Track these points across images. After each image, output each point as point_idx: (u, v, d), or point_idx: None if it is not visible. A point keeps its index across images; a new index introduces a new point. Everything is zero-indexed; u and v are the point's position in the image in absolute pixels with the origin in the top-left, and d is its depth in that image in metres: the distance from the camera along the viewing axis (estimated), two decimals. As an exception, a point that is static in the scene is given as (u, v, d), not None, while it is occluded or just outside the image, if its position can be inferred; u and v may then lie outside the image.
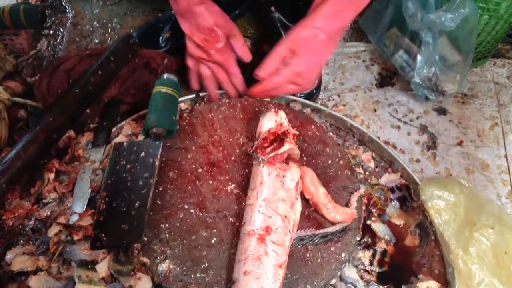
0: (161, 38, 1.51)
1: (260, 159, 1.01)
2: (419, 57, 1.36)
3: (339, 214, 1.03)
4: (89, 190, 1.13)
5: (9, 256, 1.03)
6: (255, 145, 1.05)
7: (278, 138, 1.03)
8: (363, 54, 1.63)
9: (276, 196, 0.96)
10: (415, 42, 1.42)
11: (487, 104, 1.48)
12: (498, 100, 1.49)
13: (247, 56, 1.24)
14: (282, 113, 1.09)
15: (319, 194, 1.04)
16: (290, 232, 0.95)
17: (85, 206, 1.10)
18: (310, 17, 1.09)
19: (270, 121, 1.07)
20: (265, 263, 0.89)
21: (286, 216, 0.95)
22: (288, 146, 1.00)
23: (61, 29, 1.53)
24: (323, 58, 1.18)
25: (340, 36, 1.17)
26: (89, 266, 1.01)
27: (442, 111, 1.46)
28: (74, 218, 1.08)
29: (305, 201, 1.06)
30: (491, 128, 1.42)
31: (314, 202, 1.05)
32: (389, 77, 1.56)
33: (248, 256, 0.90)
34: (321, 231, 1.01)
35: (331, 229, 1.02)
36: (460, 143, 1.39)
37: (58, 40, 1.50)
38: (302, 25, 1.09)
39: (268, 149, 1.01)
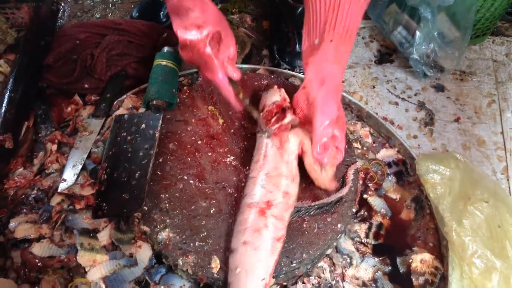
0: (162, 13, 1.52)
1: (265, 131, 1.03)
2: (418, 33, 1.36)
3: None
4: (83, 158, 1.15)
5: (12, 224, 1.06)
6: (260, 117, 1.07)
7: (280, 111, 1.05)
8: (363, 30, 1.63)
9: (277, 171, 0.98)
10: (414, 18, 1.42)
11: (485, 82, 1.49)
12: (496, 78, 1.50)
13: (231, 73, 1.02)
14: (283, 90, 1.11)
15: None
16: (290, 208, 0.97)
17: (76, 175, 1.12)
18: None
19: (275, 95, 1.09)
20: (264, 235, 0.91)
21: (287, 193, 0.96)
22: (291, 116, 1.02)
23: (63, 4, 1.54)
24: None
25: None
26: (91, 235, 1.04)
27: (440, 88, 1.47)
28: (63, 186, 1.10)
29: (302, 174, 1.07)
30: (488, 105, 1.43)
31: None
32: (388, 54, 1.56)
33: (247, 228, 0.92)
34: (317, 202, 1.03)
35: (326, 200, 1.03)
36: (457, 120, 1.40)
37: (60, 15, 1.51)
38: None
39: (273, 120, 1.03)
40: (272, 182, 0.96)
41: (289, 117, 1.02)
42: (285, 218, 0.95)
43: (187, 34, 0.95)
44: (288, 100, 1.08)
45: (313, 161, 0.98)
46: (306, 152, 0.98)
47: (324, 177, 1.01)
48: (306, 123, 1.01)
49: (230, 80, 1.02)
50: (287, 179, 0.97)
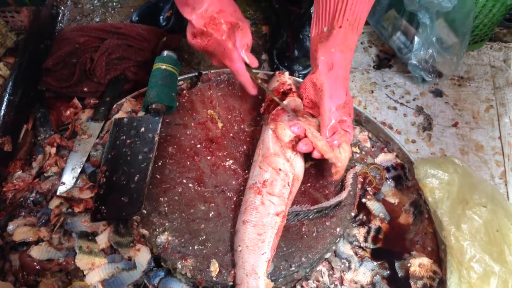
0: (161, 17, 1.52)
1: (265, 119, 1.05)
2: (416, 38, 1.37)
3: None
4: (82, 161, 1.15)
5: (11, 227, 1.05)
6: (263, 107, 1.10)
7: (281, 95, 1.06)
8: (361, 36, 1.63)
9: (271, 151, 0.99)
10: (413, 24, 1.43)
11: (483, 87, 1.50)
12: (494, 83, 1.51)
13: (250, 60, 1.02)
14: (286, 74, 1.13)
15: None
16: (289, 185, 0.98)
17: (75, 178, 1.13)
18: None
19: (273, 82, 1.11)
20: (261, 212, 0.94)
21: (280, 169, 0.97)
22: (288, 99, 1.03)
23: (62, 7, 1.54)
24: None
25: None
26: (90, 238, 1.03)
27: (438, 93, 1.48)
28: (62, 189, 1.10)
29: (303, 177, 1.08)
30: (486, 110, 1.44)
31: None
32: (386, 59, 1.57)
33: (247, 207, 0.96)
34: (315, 206, 1.03)
35: (325, 204, 1.04)
36: (455, 125, 1.41)
37: (59, 19, 1.51)
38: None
39: (271, 107, 1.06)
40: (267, 162, 0.99)
41: (286, 100, 1.03)
42: (284, 195, 0.97)
43: (203, 21, 0.95)
44: (287, 83, 1.09)
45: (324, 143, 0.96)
46: (316, 137, 0.96)
47: (342, 156, 0.97)
48: (313, 108, 1.01)
49: (248, 66, 1.02)
50: (280, 157, 0.98)
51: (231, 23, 0.96)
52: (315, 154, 0.95)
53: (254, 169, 1.01)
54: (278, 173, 0.97)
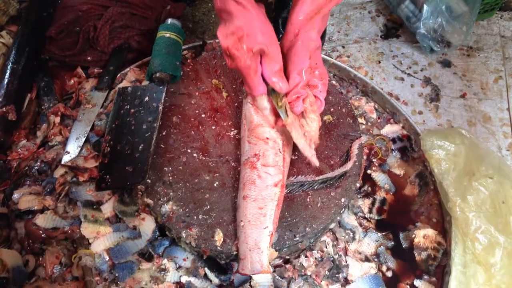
0: (166, -15, 1.49)
1: (244, 91, 1.04)
2: (425, 7, 1.34)
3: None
4: (87, 131, 1.15)
5: (16, 195, 1.06)
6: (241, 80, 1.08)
7: None
8: (369, 5, 1.61)
9: (255, 123, 0.98)
10: (422, -9, 1.40)
11: (492, 57, 1.47)
12: (503, 54, 1.48)
13: (278, 86, 0.91)
14: None
15: None
16: (280, 152, 0.96)
17: (79, 148, 1.13)
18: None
19: None
20: (259, 186, 0.94)
21: (268, 138, 0.96)
22: None
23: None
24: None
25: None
26: (95, 207, 1.04)
27: (446, 64, 1.46)
28: (66, 158, 1.11)
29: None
30: (495, 81, 1.42)
31: None
32: (394, 28, 1.54)
33: (245, 183, 0.95)
34: (320, 177, 1.03)
35: (330, 174, 1.03)
36: (463, 96, 1.39)
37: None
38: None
39: None
40: (254, 134, 0.98)
41: None
42: (279, 163, 0.96)
43: (227, 42, 0.89)
44: None
45: (294, 117, 0.94)
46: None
47: (310, 131, 0.95)
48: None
49: (273, 90, 0.93)
50: (265, 127, 0.97)
51: (252, 49, 0.88)
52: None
53: (244, 145, 1.00)
54: (266, 143, 0.96)
